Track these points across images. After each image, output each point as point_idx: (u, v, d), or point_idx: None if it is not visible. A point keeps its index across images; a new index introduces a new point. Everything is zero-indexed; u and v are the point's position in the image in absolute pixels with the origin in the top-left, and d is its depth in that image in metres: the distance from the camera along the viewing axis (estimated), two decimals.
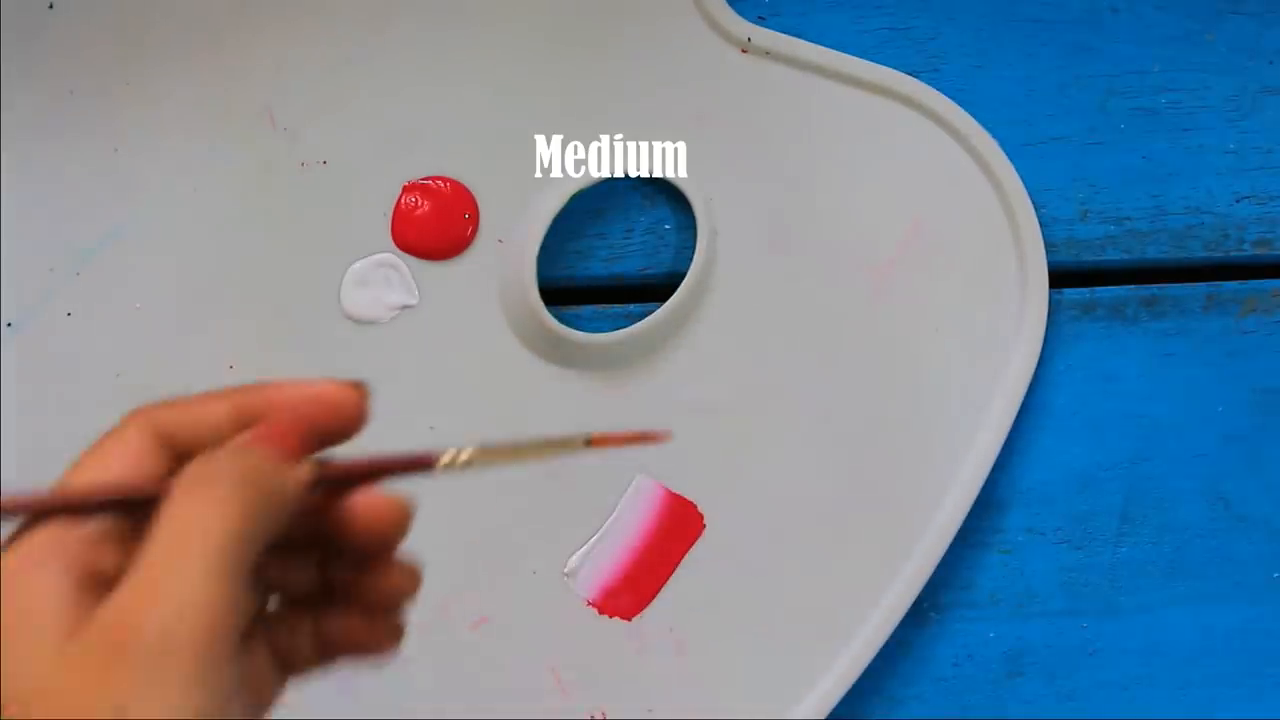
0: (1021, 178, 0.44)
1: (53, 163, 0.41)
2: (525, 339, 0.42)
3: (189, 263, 0.42)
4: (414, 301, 0.42)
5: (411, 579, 0.30)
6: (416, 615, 0.42)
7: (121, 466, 0.27)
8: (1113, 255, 0.46)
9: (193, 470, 0.26)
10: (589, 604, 0.43)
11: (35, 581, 0.26)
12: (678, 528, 0.43)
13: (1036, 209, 0.44)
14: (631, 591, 0.43)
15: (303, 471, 0.27)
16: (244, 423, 0.28)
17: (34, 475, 0.41)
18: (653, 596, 0.43)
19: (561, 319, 0.42)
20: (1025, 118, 0.45)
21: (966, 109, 0.44)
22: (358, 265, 0.42)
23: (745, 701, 0.43)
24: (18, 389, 0.41)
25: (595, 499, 0.43)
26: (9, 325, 0.41)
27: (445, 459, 0.29)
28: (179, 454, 0.28)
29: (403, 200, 0.42)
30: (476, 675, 0.42)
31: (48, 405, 0.41)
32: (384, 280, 0.42)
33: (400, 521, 0.28)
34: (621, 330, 0.42)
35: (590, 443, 0.33)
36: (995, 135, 0.44)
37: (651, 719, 0.43)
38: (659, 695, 0.43)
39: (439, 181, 0.42)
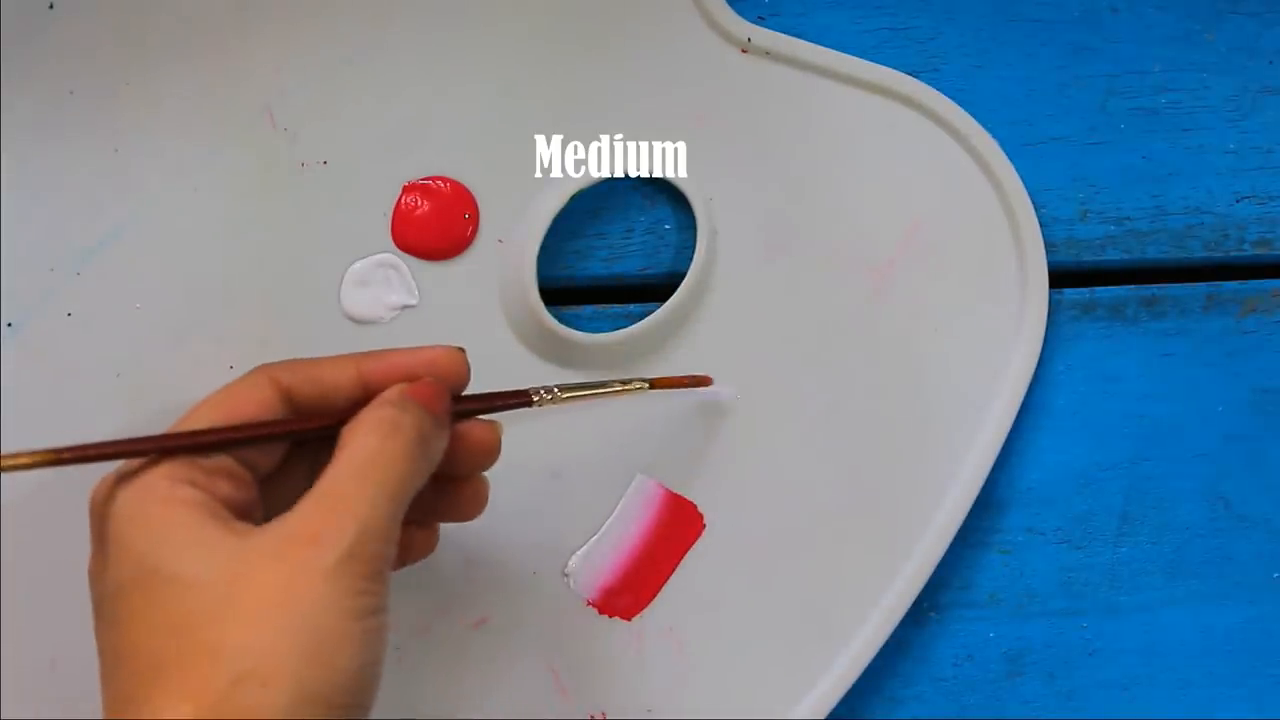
0: (1021, 178, 0.44)
1: (53, 163, 0.41)
2: (525, 339, 0.42)
3: (189, 263, 0.42)
4: (414, 301, 0.42)
5: (485, 488, 0.36)
6: (417, 615, 0.43)
7: (246, 412, 0.32)
8: (1113, 255, 0.46)
9: (379, 415, 0.31)
10: (589, 604, 0.43)
11: (169, 502, 0.30)
12: (678, 528, 0.43)
13: (1036, 209, 0.44)
14: (631, 591, 0.43)
15: (447, 424, 0.33)
16: (367, 386, 0.33)
17: (34, 476, 0.41)
18: (653, 596, 0.43)
19: (561, 319, 0.42)
20: (1025, 118, 0.45)
21: (966, 109, 0.44)
22: (358, 265, 0.42)
23: (745, 701, 0.43)
24: (18, 389, 0.41)
25: (595, 499, 0.43)
26: (9, 325, 0.41)
27: (537, 396, 0.36)
28: (298, 409, 0.32)
29: (403, 200, 0.42)
30: (476, 675, 0.42)
31: (48, 405, 0.41)
32: (384, 280, 0.42)
33: (498, 443, 0.35)
34: (621, 330, 0.43)
35: (652, 384, 0.40)
36: (995, 135, 0.44)
37: (651, 719, 0.43)
38: (659, 695, 0.43)
39: (439, 181, 0.42)
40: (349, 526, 0.29)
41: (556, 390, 0.37)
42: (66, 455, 0.30)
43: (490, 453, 0.35)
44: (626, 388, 0.40)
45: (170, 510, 0.29)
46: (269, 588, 0.28)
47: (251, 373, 0.33)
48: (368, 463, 0.30)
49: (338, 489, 0.30)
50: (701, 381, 0.42)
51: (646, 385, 0.40)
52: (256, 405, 0.32)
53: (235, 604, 0.28)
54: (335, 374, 0.33)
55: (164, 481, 0.30)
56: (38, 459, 0.29)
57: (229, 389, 0.32)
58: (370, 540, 0.29)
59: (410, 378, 0.33)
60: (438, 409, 0.32)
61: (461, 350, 0.34)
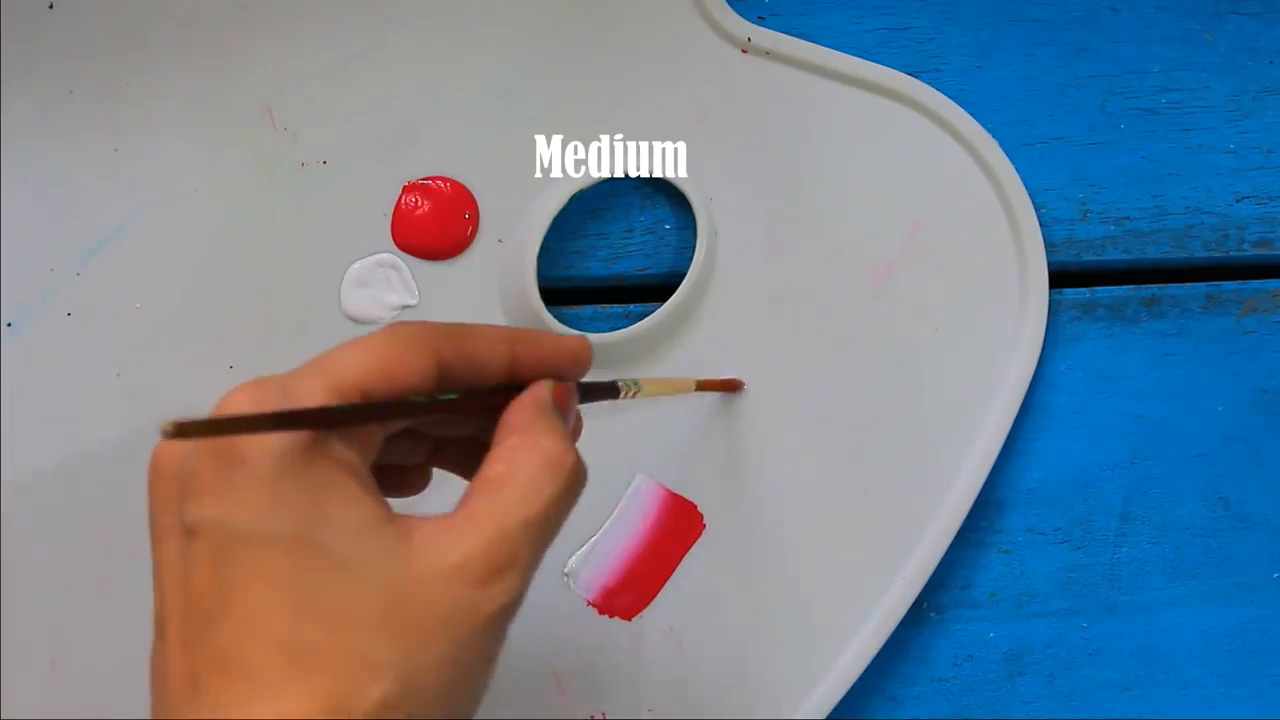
0: (1021, 178, 0.44)
1: (53, 163, 0.41)
2: None
3: (189, 262, 0.42)
4: (414, 301, 0.42)
5: None
6: None
7: (408, 381, 0.29)
8: (1113, 255, 0.46)
9: (559, 459, 0.29)
10: (589, 604, 0.43)
11: (335, 463, 0.27)
12: (678, 528, 0.43)
13: (1036, 209, 0.44)
14: (631, 591, 0.43)
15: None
16: (515, 373, 0.31)
17: (35, 476, 0.41)
18: (653, 596, 0.43)
19: (561, 319, 0.42)
20: (1025, 118, 0.45)
21: (966, 109, 0.44)
22: (357, 265, 0.42)
23: (745, 701, 0.43)
24: (18, 389, 0.41)
25: (595, 499, 0.43)
26: (9, 325, 0.41)
27: (625, 390, 0.36)
28: (445, 381, 0.30)
29: (403, 200, 0.42)
30: None
31: (48, 405, 0.41)
32: (384, 280, 0.42)
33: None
34: (621, 330, 0.42)
35: (699, 386, 0.41)
36: (995, 135, 0.44)
37: (651, 719, 0.43)
38: (659, 695, 0.43)
39: (439, 181, 0.42)
40: (518, 583, 0.28)
41: (639, 384, 0.37)
42: (296, 418, 0.27)
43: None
44: (683, 385, 0.41)
45: (337, 475, 0.27)
46: (432, 616, 0.27)
47: (409, 336, 0.30)
48: (544, 518, 0.29)
49: (512, 534, 0.28)
50: (734, 385, 0.43)
51: (695, 385, 0.41)
52: (419, 377, 0.29)
53: (397, 620, 0.27)
54: (490, 354, 0.31)
55: (337, 443, 0.28)
56: (263, 423, 0.26)
57: (387, 351, 0.29)
58: (522, 596, 0.29)
59: (555, 370, 0.32)
60: (571, 419, 0.32)
61: (588, 341, 0.33)
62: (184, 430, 0.24)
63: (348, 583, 0.26)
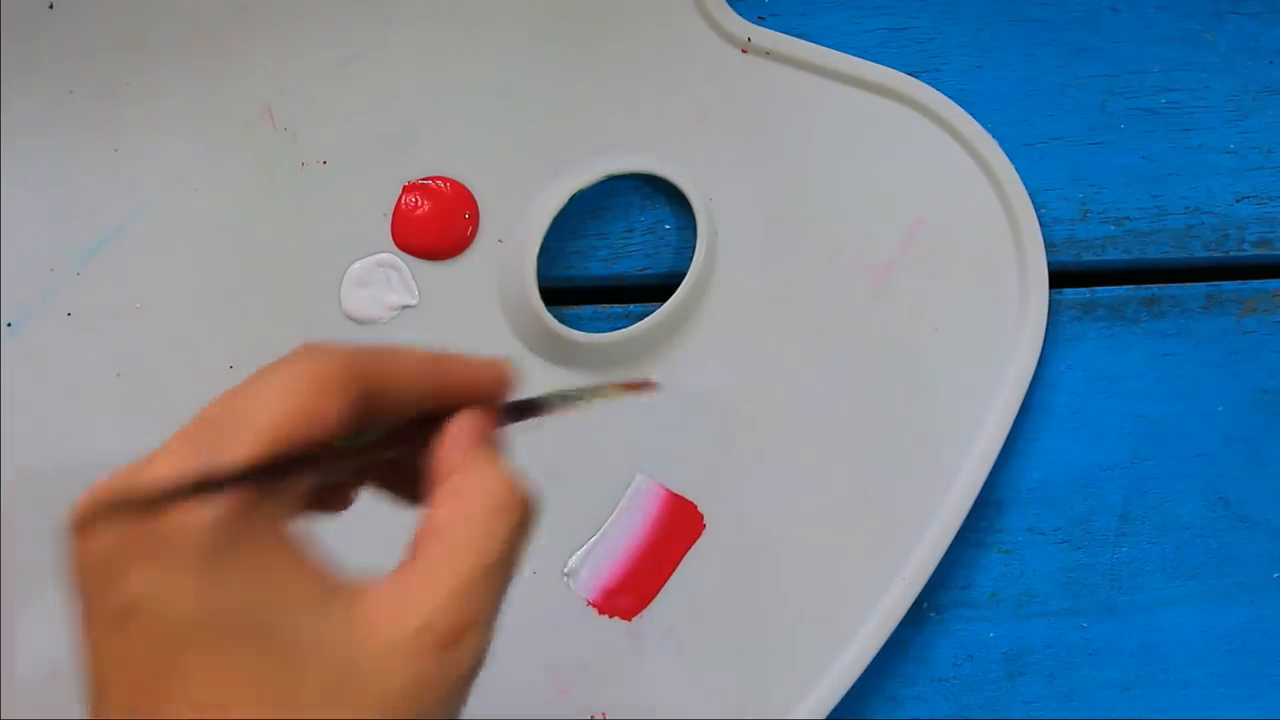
0: (1021, 178, 0.44)
1: (53, 163, 0.41)
2: (525, 339, 0.42)
3: (189, 263, 0.42)
4: (414, 301, 0.42)
5: None
6: None
7: (330, 427, 0.27)
8: (1113, 255, 0.46)
9: (501, 489, 0.28)
10: (589, 604, 0.43)
11: (279, 543, 0.26)
12: (678, 528, 0.43)
13: (1036, 209, 0.44)
14: (631, 591, 0.43)
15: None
16: (439, 398, 0.29)
17: (34, 476, 0.41)
18: (653, 596, 0.43)
19: (561, 319, 0.42)
20: (1025, 118, 0.45)
21: (966, 109, 0.44)
22: (357, 265, 0.42)
23: (745, 701, 0.43)
24: (18, 389, 0.41)
25: (595, 499, 0.43)
26: (9, 325, 0.41)
27: (551, 406, 0.33)
28: (369, 410, 0.28)
29: (403, 200, 0.42)
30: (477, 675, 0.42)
31: (48, 405, 0.41)
32: (384, 280, 0.42)
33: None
34: (621, 330, 0.42)
35: (624, 388, 0.37)
36: (995, 135, 0.44)
37: (651, 719, 0.43)
38: (659, 695, 0.43)
39: (439, 181, 0.42)
40: (481, 640, 0.27)
41: (565, 398, 0.35)
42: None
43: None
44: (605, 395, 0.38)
45: (272, 545, 0.25)
46: (393, 691, 0.25)
47: (329, 375, 0.27)
48: (502, 560, 0.27)
49: (472, 584, 0.27)
50: (649, 386, 0.41)
51: (621, 391, 0.39)
52: (339, 417, 0.27)
53: (354, 699, 0.25)
54: (412, 381, 0.29)
55: (268, 504, 0.26)
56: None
57: (307, 396, 0.27)
58: (487, 650, 0.27)
59: (479, 394, 0.30)
60: (502, 446, 0.31)
61: (509, 361, 0.32)
62: (96, 515, 0.23)
63: (297, 665, 0.25)
